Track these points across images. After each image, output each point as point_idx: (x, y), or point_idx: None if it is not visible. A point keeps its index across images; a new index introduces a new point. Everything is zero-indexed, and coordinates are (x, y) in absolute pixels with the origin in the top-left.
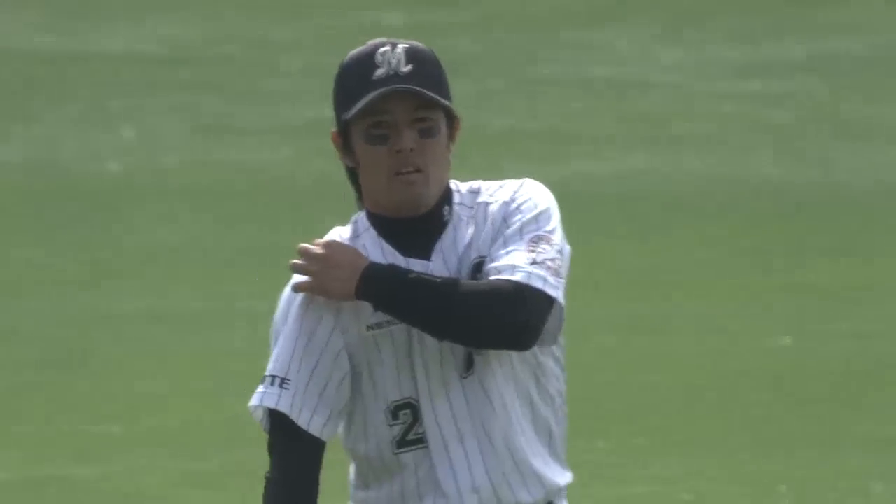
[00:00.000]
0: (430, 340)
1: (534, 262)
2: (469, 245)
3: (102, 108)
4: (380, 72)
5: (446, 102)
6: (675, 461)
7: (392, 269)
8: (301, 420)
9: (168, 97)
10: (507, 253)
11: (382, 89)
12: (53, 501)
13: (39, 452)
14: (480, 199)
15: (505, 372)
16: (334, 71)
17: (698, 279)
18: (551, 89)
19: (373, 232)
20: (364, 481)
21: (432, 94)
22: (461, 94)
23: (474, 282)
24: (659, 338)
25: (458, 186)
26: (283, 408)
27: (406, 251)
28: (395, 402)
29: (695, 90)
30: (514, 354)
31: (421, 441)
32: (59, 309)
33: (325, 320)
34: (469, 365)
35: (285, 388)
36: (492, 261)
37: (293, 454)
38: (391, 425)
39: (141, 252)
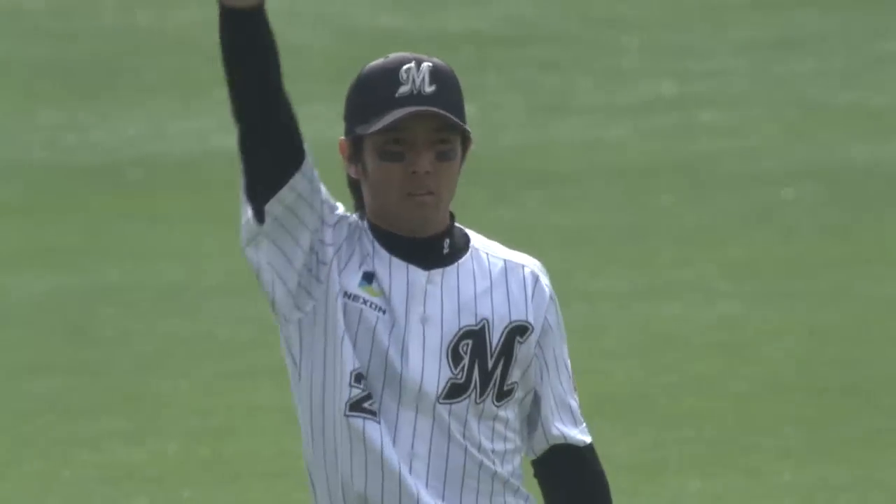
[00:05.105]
0: (417, 354)
1: (579, 406)
2: (484, 294)
3: None
4: (403, 89)
5: (467, 128)
6: None
7: None
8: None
9: (507, 75)
10: (566, 392)
11: (410, 109)
12: None
13: None
14: (500, 255)
15: (478, 410)
16: (672, 48)
17: None
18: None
19: (370, 234)
20: (309, 441)
21: (457, 119)
22: (802, 71)
23: (602, 482)
24: None
25: (468, 231)
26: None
27: (403, 258)
28: (356, 370)
29: None
30: (489, 404)
31: (374, 414)
32: None
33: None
34: (453, 394)
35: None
36: (555, 389)
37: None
38: (351, 386)
39: (488, 231)
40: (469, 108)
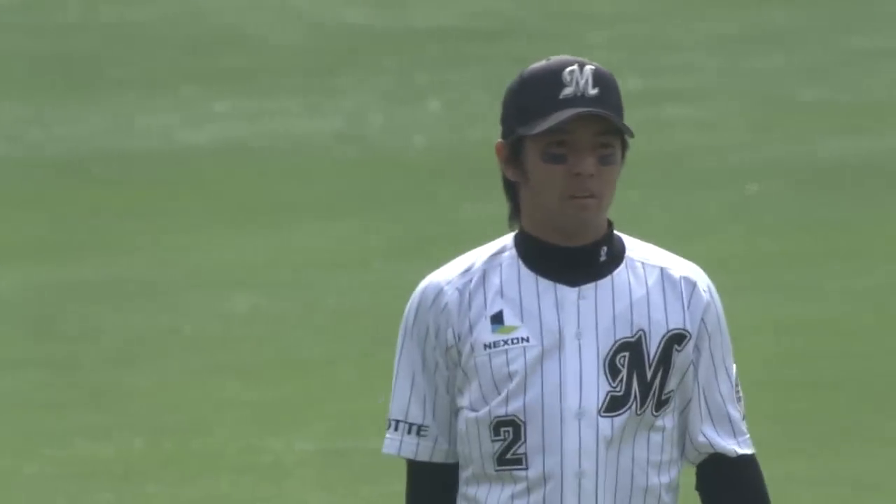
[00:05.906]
0: (574, 370)
1: (743, 417)
2: (639, 304)
3: (409, 82)
4: (567, 91)
5: (630, 131)
6: None
7: None
8: (442, 457)
9: (473, 71)
10: (724, 401)
11: (577, 110)
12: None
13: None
14: (656, 262)
15: (637, 421)
16: (640, 43)
17: None
18: (865, 60)
19: (513, 252)
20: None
21: (621, 123)
22: (770, 67)
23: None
24: None
25: (625, 237)
26: (424, 457)
27: (550, 276)
28: (499, 417)
29: None
30: (651, 412)
31: (519, 462)
32: (382, 280)
33: (431, 341)
34: (613, 407)
35: (423, 436)
36: (711, 396)
37: (437, 481)
38: (493, 441)
39: (455, 226)
40: (434, 104)
